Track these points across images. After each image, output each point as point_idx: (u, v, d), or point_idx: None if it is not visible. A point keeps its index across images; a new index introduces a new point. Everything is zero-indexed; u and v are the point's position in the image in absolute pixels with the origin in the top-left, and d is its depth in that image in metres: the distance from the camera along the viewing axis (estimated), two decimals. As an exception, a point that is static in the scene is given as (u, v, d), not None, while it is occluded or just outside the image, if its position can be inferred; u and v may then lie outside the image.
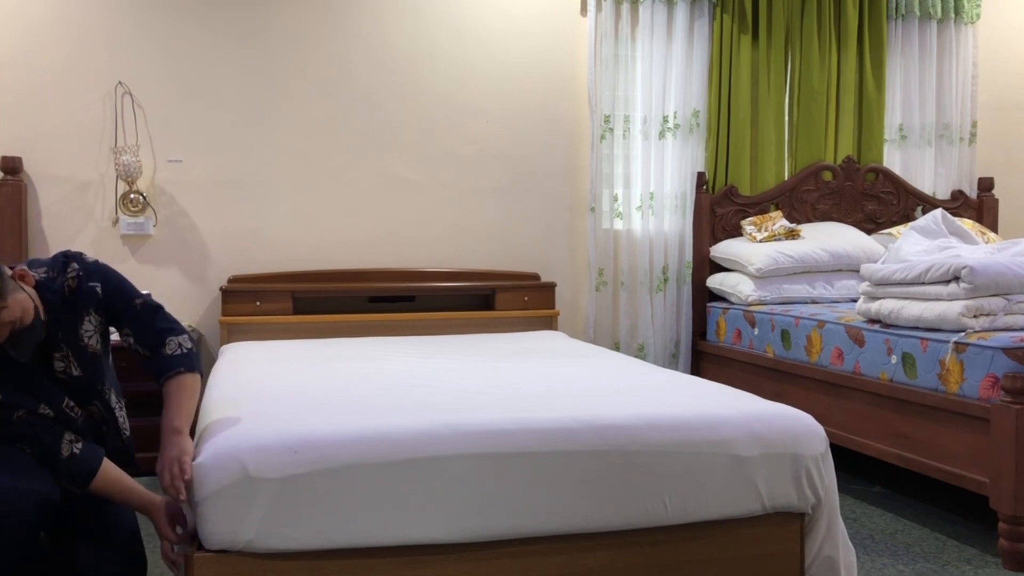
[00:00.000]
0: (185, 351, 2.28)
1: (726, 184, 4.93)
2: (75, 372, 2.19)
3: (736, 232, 4.88)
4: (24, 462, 2.04)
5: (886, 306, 3.47)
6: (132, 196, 4.27)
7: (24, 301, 2.03)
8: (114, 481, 2.13)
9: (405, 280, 4.53)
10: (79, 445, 2.10)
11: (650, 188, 4.86)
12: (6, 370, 2.07)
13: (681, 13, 4.86)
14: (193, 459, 2.10)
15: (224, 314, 4.25)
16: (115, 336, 2.39)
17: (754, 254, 4.50)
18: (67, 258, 2.24)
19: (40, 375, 2.14)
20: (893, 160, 5.23)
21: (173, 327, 2.30)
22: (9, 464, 2.01)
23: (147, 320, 2.28)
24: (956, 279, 3.18)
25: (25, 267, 2.13)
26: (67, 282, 2.19)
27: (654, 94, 4.85)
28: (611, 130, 4.80)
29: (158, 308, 2.32)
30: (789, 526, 2.43)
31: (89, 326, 2.22)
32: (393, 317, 4.44)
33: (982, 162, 5.41)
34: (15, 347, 2.06)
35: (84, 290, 2.20)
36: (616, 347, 4.80)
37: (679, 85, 4.88)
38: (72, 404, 2.18)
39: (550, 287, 4.70)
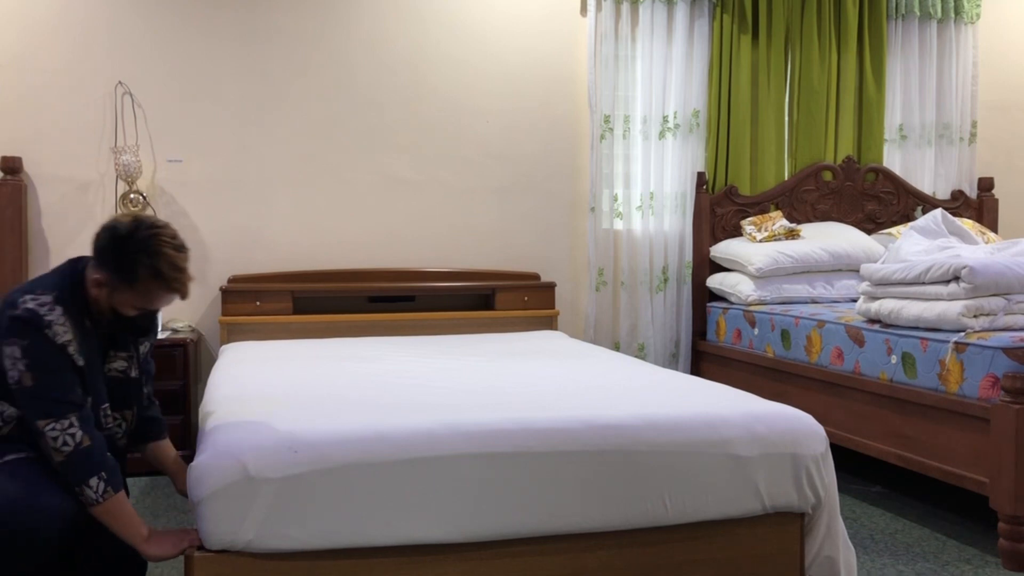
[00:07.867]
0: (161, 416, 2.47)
1: (726, 184, 4.93)
2: (133, 373, 2.25)
3: (736, 232, 4.87)
4: (55, 478, 2.03)
5: (886, 306, 3.47)
6: (132, 196, 4.27)
7: None
8: (122, 506, 2.06)
9: (405, 280, 4.53)
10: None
11: (650, 188, 4.86)
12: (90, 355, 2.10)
13: (681, 13, 4.86)
14: (192, 460, 2.13)
15: (224, 314, 4.25)
16: None
17: (754, 254, 4.50)
18: None
19: (100, 371, 2.18)
20: (893, 160, 5.23)
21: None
22: (41, 479, 2.01)
23: (150, 373, 2.41)
24: (956, 279, 3.18)
25: None
26: None
27: (654, 94, 4.85)
28: (611, 130, 4.80)
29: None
30: (789, 526, 2.44)
31: (146, 342, 2.34)
32: (393, 317, 4.44)
33: (982, 162, 5.41)
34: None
35: (153, 316, 2.34)
36: (616, 347, 4.80)
37: (679, 85, 4.88)
38: (108, 408, 2.19)
39: (550, 287, 4.70)
